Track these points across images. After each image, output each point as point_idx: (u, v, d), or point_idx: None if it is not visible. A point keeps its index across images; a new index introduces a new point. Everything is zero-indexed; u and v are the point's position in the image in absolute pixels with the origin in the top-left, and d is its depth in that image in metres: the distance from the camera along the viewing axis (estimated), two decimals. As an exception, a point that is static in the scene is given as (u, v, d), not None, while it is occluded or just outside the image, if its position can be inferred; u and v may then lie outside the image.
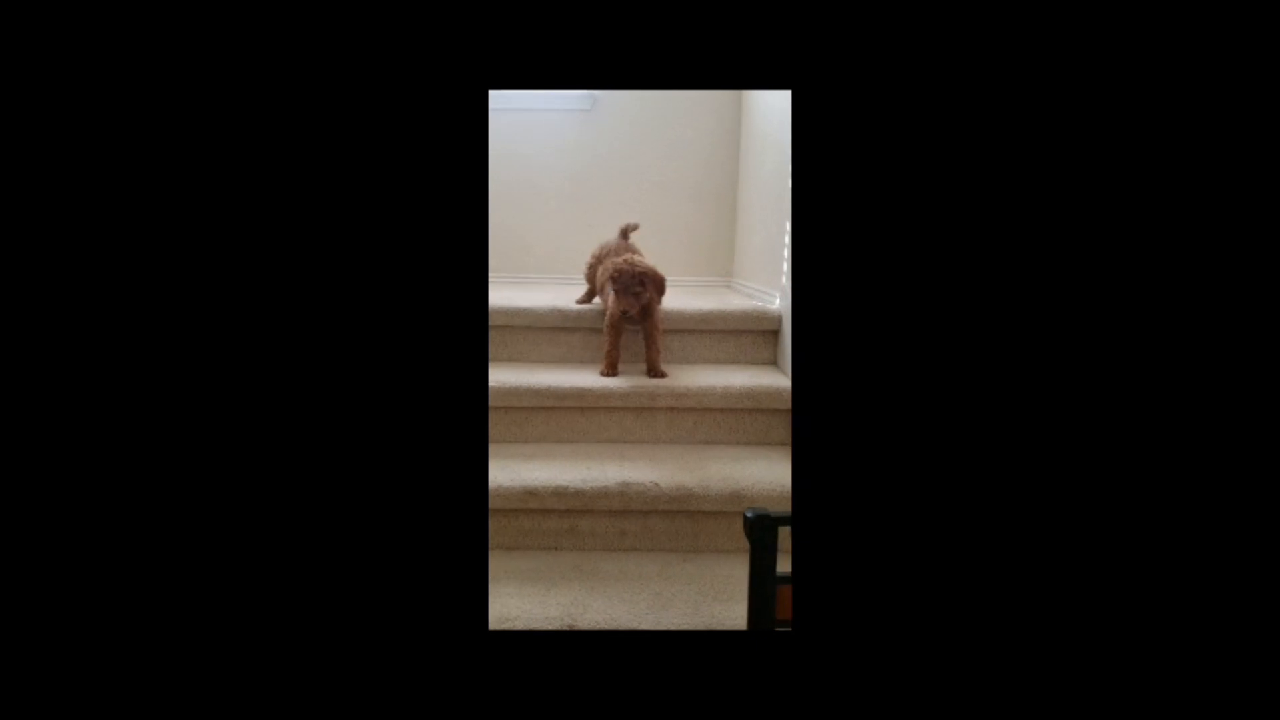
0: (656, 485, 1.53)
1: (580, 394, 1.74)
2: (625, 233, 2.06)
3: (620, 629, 1.29)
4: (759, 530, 0.87)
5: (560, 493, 1.52)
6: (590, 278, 2.02)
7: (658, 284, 1.79)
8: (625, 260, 1.80)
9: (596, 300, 1.99)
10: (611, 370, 1.81)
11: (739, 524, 1.56)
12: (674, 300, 2.10)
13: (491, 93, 2.33)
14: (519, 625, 1.29)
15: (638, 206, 2.64)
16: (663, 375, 1.80)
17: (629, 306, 1.76)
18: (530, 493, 1.52)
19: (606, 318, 1.85)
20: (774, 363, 1.97)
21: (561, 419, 1.78)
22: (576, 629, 1.29)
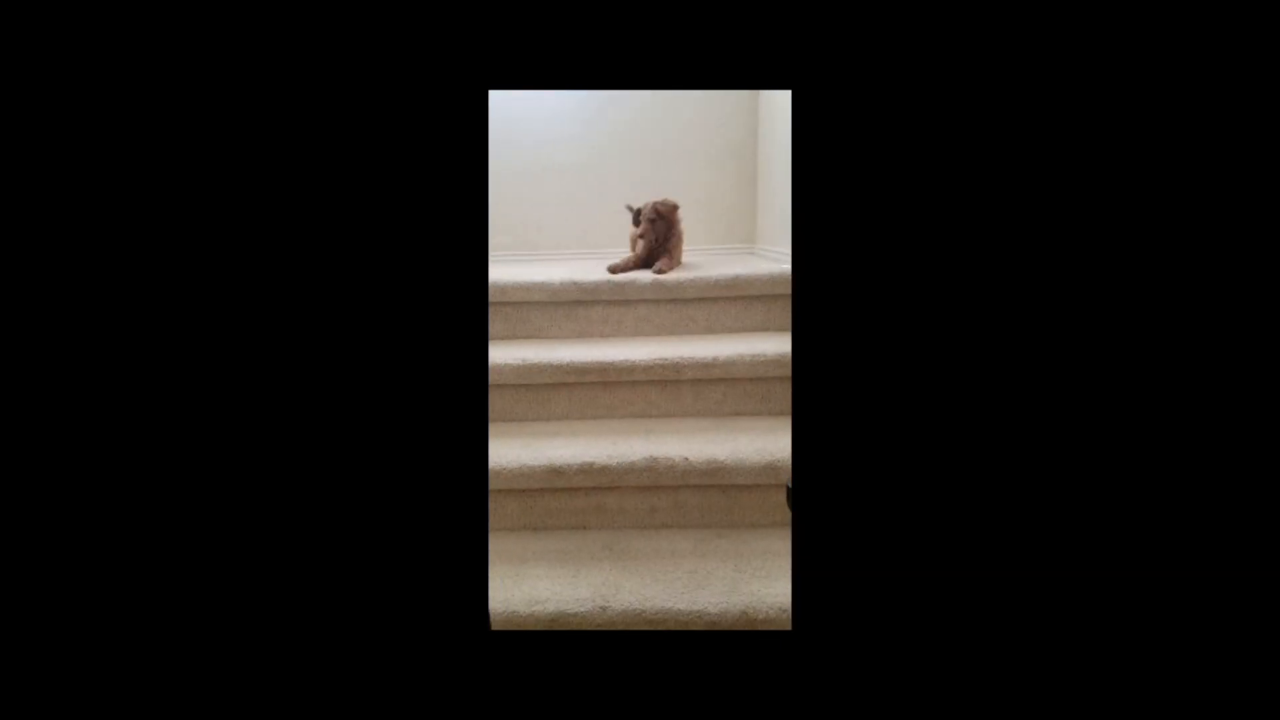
0: (686, 460, 1.47)
1: (602, 369, 1.68)
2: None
3: (655, 610, 1.24)
4: (805, 501, 0.80)
5: (586, 470, 1.46)
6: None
7: (669, 212, 2.05)
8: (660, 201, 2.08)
9: (634, 275, 1.94)
10: (624, 267, 1.97)
11: (775, 497, 1.50)
12: (697, 268, 2.02)
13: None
14: (550, 608, 1.24)
15: (655, 176, 2.56)
16: (662, 271, 1.93)
17: (659, 234, 2.01)
18: (556, 471, 1.47)
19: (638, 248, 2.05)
20: (803, 328, 1.89)
21: (584, 395, 1.72)
22: (610, 610, 1.24)
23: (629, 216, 2.17)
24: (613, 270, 1.96)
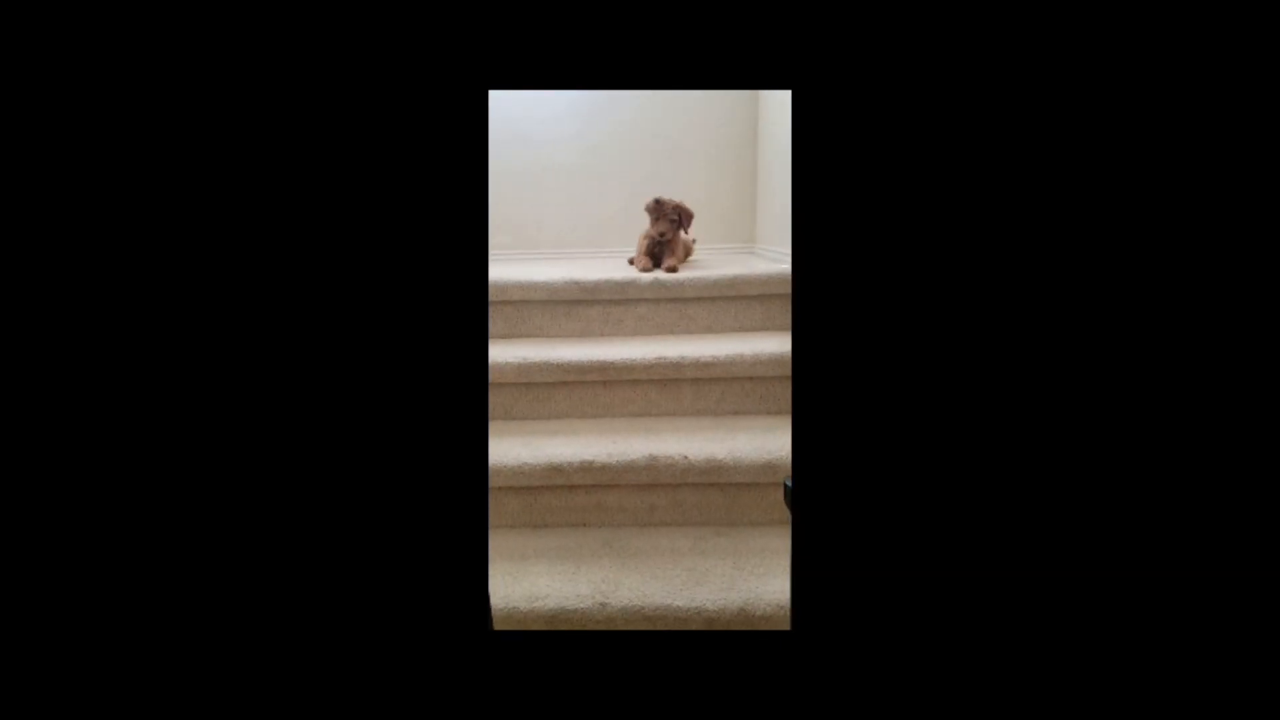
0: (685, 458, 1.47)
1: (603, 367, 1.69)
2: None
3: (654, 607, 1.25)
4: (803, 499, 0.81)
5: (586, 468, 1.47)
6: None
7: (687, 215, 2.11)
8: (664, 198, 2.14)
9: (634, 275, 1.97)
10: (644, 265, 2.03)
11: (774, 495, 1.50)
12: (696, 268, 2.02)
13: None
14: (550, 604, 1.25)
15: (655, 176, 2.56)
16: (673, 270, 1.97)
17: (666, 230, 2.06)
18: (555, 469, 1.47)
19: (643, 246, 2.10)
20: (802, 328, 1.89)
21: (584, 393, 1.72)
22: (609, 607, 1.25)
23: (629, 216, 2.20)
24: (631, 262, 2.17)
